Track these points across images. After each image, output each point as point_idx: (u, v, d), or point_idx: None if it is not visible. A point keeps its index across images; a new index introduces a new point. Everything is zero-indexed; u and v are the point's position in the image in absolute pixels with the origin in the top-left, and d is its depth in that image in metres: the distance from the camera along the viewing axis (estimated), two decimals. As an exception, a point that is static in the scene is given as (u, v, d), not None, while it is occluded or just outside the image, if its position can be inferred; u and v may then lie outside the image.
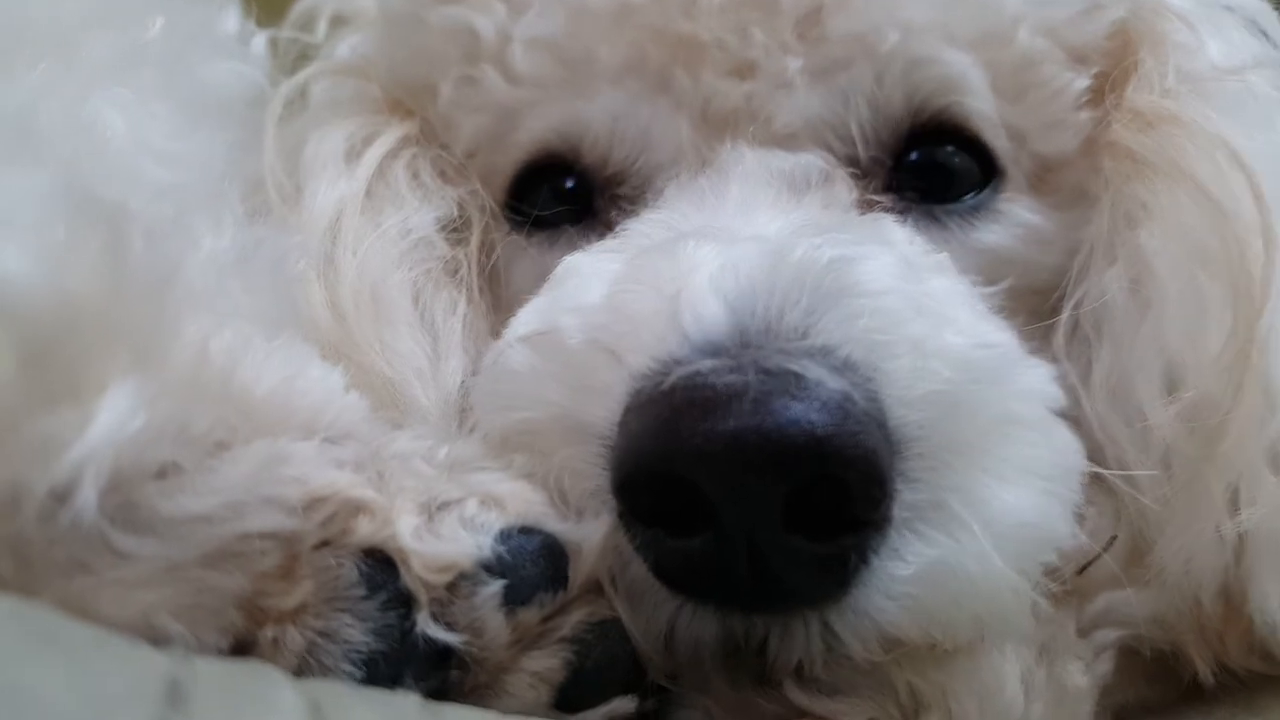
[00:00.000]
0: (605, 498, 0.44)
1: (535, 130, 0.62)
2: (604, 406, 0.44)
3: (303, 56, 0.67)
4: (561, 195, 0.62)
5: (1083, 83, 0.63)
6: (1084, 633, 0.51)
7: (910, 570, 0.43)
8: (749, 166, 0.57)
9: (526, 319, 0.51)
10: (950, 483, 0.44)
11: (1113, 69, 0.64)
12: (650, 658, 0.44)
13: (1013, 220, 0.62)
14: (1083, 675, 0.50)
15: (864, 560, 0.42)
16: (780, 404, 0.40)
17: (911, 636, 0.44)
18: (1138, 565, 0.53)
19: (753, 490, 0.40)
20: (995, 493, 0.44)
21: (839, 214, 0.55)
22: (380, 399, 0.50)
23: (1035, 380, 0.49)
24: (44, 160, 0.38)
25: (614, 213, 0.60)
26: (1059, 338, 0.59)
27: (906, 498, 0.43)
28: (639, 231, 0.55)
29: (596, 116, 0.60)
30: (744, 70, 0.58)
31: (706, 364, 0.42)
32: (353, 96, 0.66)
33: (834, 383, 0.41)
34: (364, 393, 0.46)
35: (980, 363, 0.47)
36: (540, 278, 0.57)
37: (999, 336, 0.50)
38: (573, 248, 0.58)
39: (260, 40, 0.61)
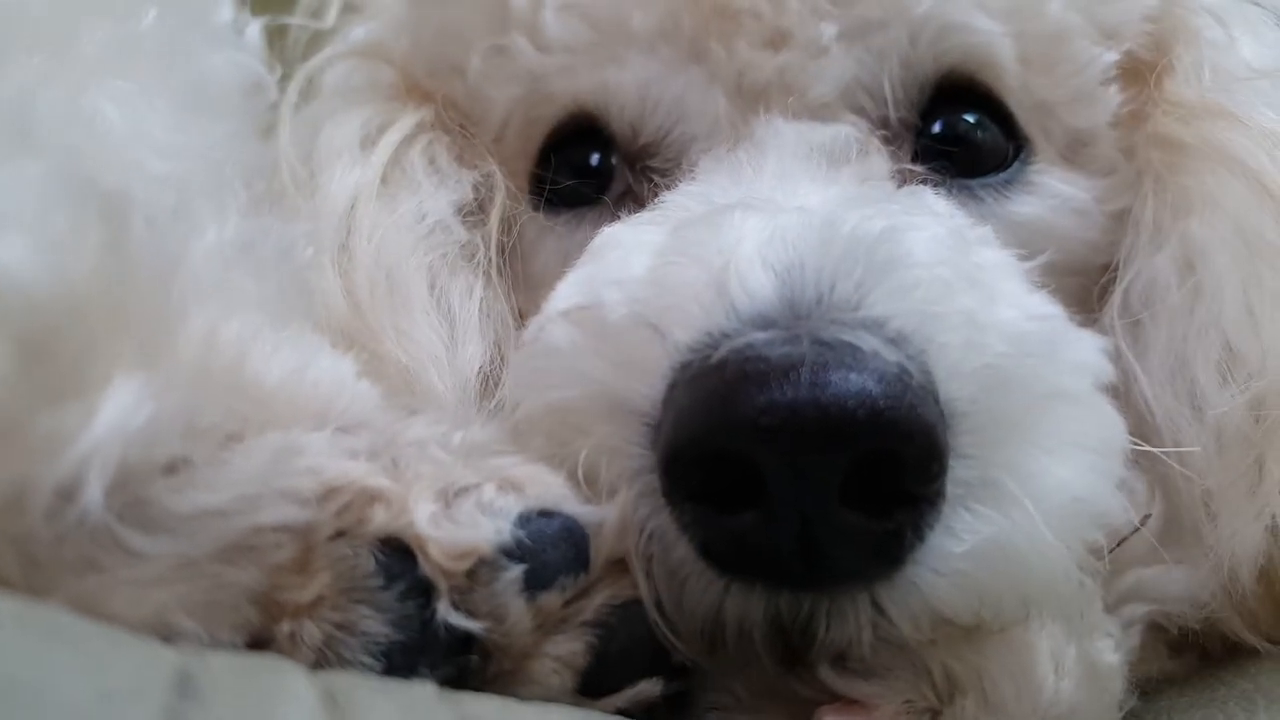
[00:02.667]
0: (647, 477, 0.43)
1: (565, 96, 0.61)
2: (645, 383, 0.43)
3: (313, 43, 0.66)
4: (588, 170, 0.61)
5: (1111, 57, 0.63)
6: (1111, 608, 0.51)
7: (963, 547, 0.42)
8: (786, 139, 0.56)
9: (566, 292, 0.50)
10: (1001, 458, 0.43)
11: (1150, 55, 0.64)
12: (674, 641, 0.43)
13: (1047, 191, 0.62)
14: (1113, 653, 0.49)
15: (919, 536, 0.41)
16: (839, 376, 0.39)
17: (961, 616, 0.43)
18: (1170, 544, 0.53)
19: (810, 464, 0.39)
20: (1046, 468, 0.43)
21: (878, 186, 0.54)
22: (395, 386, 0.49)
23: (1086, 353, 0.48)
24: (43, 151, 0.37)
25: (646, 186, 0.59)
26: (1110, 316, 0.59)
27: (958, 473, 0.42)
28: (677, 204, 0.54)
29: (627, 84, 0.59)
30: (777, 40, 0.57)
31: (759, 336, 0.41)
32: (368, 82, 0.65)
33: (890, 354, 0.41)
34: (377, 381, 0.45)
35: (1032, 336, 0.46)
36: (567, 256, 0.57)
37: (1049, 309, 0.49)
38: (601, 224, 0.56)
39: (255, 29, 0.60)
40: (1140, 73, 0.64)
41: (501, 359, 0.56)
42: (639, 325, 0.45)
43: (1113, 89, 0.63)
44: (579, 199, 0.62)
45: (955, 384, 0.42)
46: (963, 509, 0.42)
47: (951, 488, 0.42)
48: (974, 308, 0.45)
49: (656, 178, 0.59)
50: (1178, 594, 0.53)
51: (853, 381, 0.39)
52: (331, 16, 0.67)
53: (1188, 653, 0.55)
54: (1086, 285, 0.62)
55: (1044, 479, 0.43)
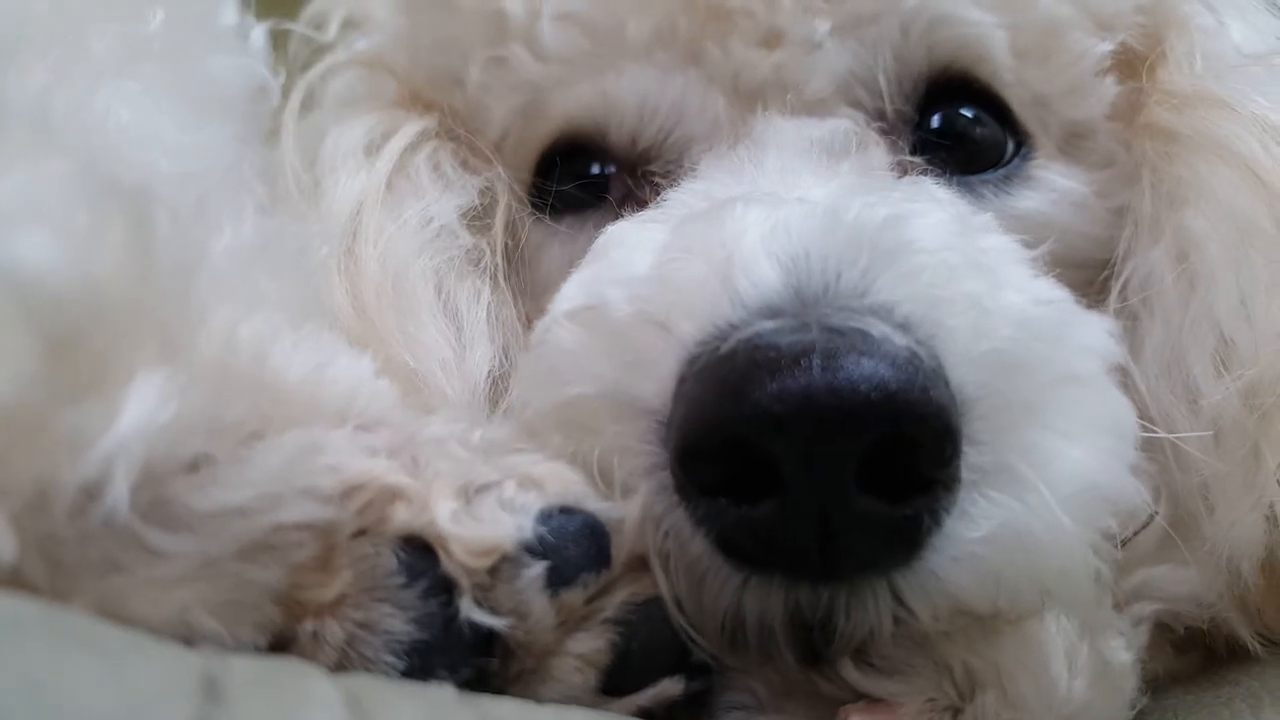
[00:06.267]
0: (660, 474, 0.43)
1: (563, 109, 0.61)
2: (654, 380, 0.43)
3: (316, 54, 0.66)
4: (588, 176, 0.62)
5: (1106, 48, 0.63)
6: (1119, 606, 0.51)
7: (980, 532, 0.42)
8: (785, 135, 0.56)
9: (571, 293, 0.50)
10: (1014, 442, 0.43)
11: (1143, 46, 0.64)
12: (695, 639, 0.43)
13: (1048, 186, 0.62)
14: (1125, 651, 0.49)
15: (936, 522, 0.41)
16: (850, 361, 0.39)
17: (979, 604, 0.43)
18: (1176, 544, 0.53)
19: (825, 451, 0.39)
20: (1060, 451, 0.43)
21: (879, 177, 0.55)
22: (408, 386, 0.49)
23: (1094, 336, 0.48)
24: (64, 149, 0.37)
25: (647, 190, 0.59)
26: (1108, 311, 0.59)
27: (972, 459, 0.42)
28: (679, 201, 0.54)
29: (624, 94, 0.59)
30: (772, 39, 0.57)
31: (767, 325, 0.41)
32: (371, 91, 0.65)
33: (900, 339, 0.41)
34: (393, 380, 0.45)
35: (1039, 319, 0.46)
36: (571, 260, 0.56)
37: (1055, 293, 0.49)
38: (605, 226, 0.57)
39: (259, 33, 0.60)
40: (1136, 64, 0.64)
41: (510, 363, 0.56)
42: (645, 323, 0.45)
43: (1108, 80, 0.64)
44: (581, 203, 0.62)
45: (964, 368, 0.42)
46: (978, 495, 0.42)
47: (966, 473, 0.42)
48: (980, 292, 0.45)
49: (659, 181, 0.59)
50: (1185, 593, 0.53)
51: (865, 366, 0.39)
52: (332, 30, 0.68)
53: (1192, 651, 0.55)
54: (1088, 278, 0.62)
55: (1058, 463, 0.43)
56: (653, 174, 0.60)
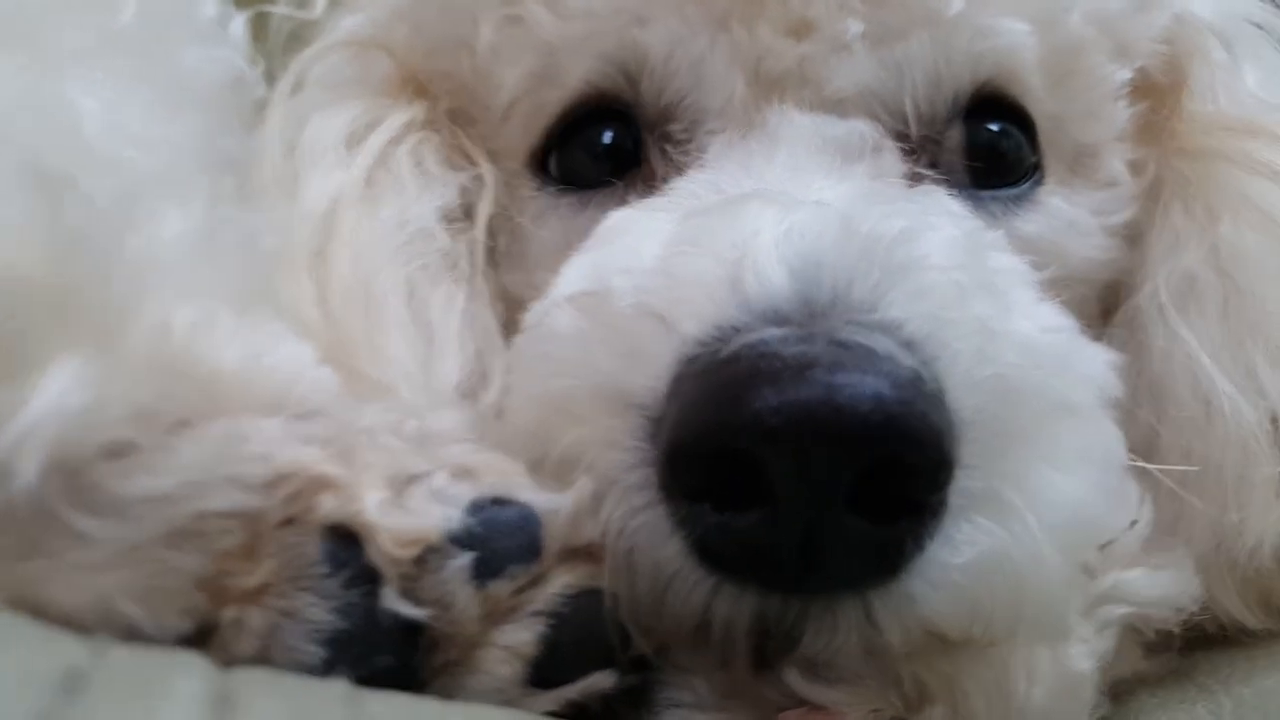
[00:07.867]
0: (643, 470, 0.42)
1: (586, 64, 0.59)
2: (649, 375, 0.42)
3: (295, 36, 0.66)
4: (599, 150, 0.60)
5: (1124, 75, 0.63)
6: (1086, 610, 0.49)
7: (961, 559, 0.41)
8: (799, 130, 0.55)
9: (573, 277, 0.49)
10: (1005, 469, 0.42)
11: (1163, 75, 0.64)
12: (630, 633, 0.42)
13: (1052, 211, 0.61)
14: (1086, 659, 0.48)
15: (919, 546, 0.40)
16: (854, 378, 0.39)
17: (952, 630, 0.42)
18: (1154, 548, 0.52)
19: (819, 467, 0.38)
20: (1050, 481, 0.43)
21: (892, 184, 0.54)
22: (369, 387, 0.48)
23: (1095, 367, 0.47)
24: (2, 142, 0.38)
25: (660, 161, 0.58)
26: (1117, 325, 0.59)
27: (962, 483, 0.41)
28: (688, 191, 0.53)
29: (655, 42, 0.57)
30: (800, 29, 0.56)
31: (772, 332, 0.40)
32: (360, 75, 0.64)
33: (905, 359, 0.40)
34: (351, 388, 0.44)
35: (1044, 348, 0.45)
36: (569, 238, 0.56)
37: (1061, 320, 0.48)
38: (607, 208, 0.56)
39: (239, 23, 0.60)
40: (1151, 90, 0.64)
41: (483, 370, 0.54)
42: (646, 315, 0.44)
43: (1121, 104, 0.63)
44: (585, 181, 0.60)
45: (964, 392, 0.41)
46: (963, 520, 0.41)
47: (954, 498, 0.41)
48: (988, 315, 0.44)
49: (671, 150, 0.58)
50: (1157, 597, 0.52)
51: (868, 385, 0.39)
52: (319, 7, 0.66)
53: (1162, 653, 0.54)
54: (1086, 296, 0.62)
55: (1047, 492, 0.42)
56: (669, 139, 0.58)
